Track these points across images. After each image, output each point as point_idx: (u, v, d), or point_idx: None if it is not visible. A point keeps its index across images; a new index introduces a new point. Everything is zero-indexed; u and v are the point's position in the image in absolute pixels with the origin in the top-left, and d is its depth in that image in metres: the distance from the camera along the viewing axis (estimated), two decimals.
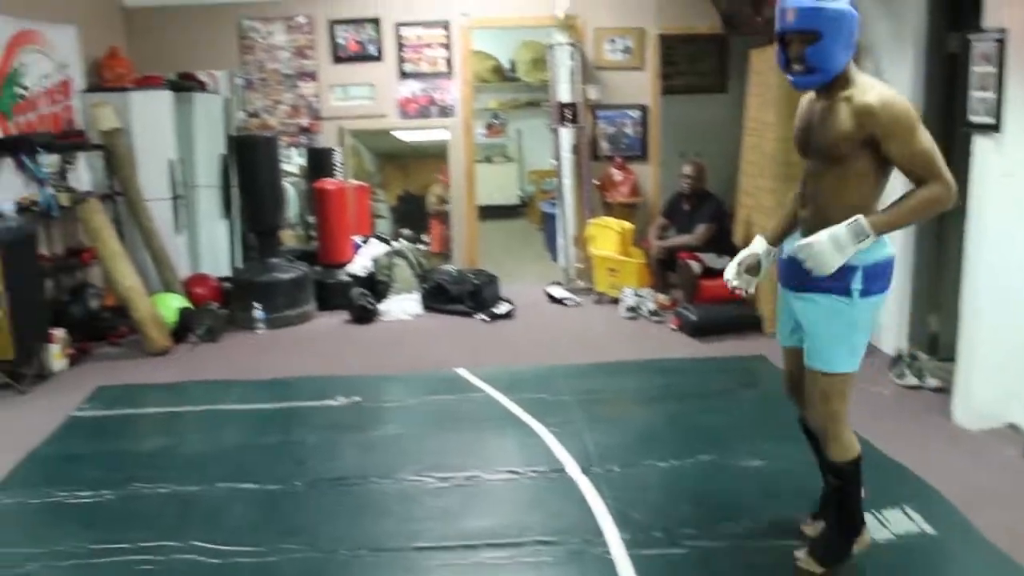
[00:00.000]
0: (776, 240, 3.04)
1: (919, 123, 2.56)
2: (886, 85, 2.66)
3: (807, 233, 2.70)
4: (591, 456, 3.95)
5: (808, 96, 2.84)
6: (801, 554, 2.98)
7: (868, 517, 3.20)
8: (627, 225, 6.86)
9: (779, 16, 2.62)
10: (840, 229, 2.53)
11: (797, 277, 2.74)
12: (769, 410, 4.33)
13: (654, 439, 4.19)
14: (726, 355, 5.46)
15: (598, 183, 7.49)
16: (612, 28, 7.40)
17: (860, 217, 2.53)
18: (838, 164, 2.64)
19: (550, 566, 3.09)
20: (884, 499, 3.37)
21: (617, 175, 7.49)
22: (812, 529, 3.14)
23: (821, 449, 2.91)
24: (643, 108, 7.54)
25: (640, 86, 7.51)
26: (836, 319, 2.68)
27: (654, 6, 7.34)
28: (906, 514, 3.30)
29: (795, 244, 2.68)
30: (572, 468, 3.84)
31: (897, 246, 5.02)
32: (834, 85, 2.64)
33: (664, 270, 6.57)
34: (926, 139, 2.55)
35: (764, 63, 5.91)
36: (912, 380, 4.74)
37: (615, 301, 6.66)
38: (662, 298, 6.49)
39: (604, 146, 7.57)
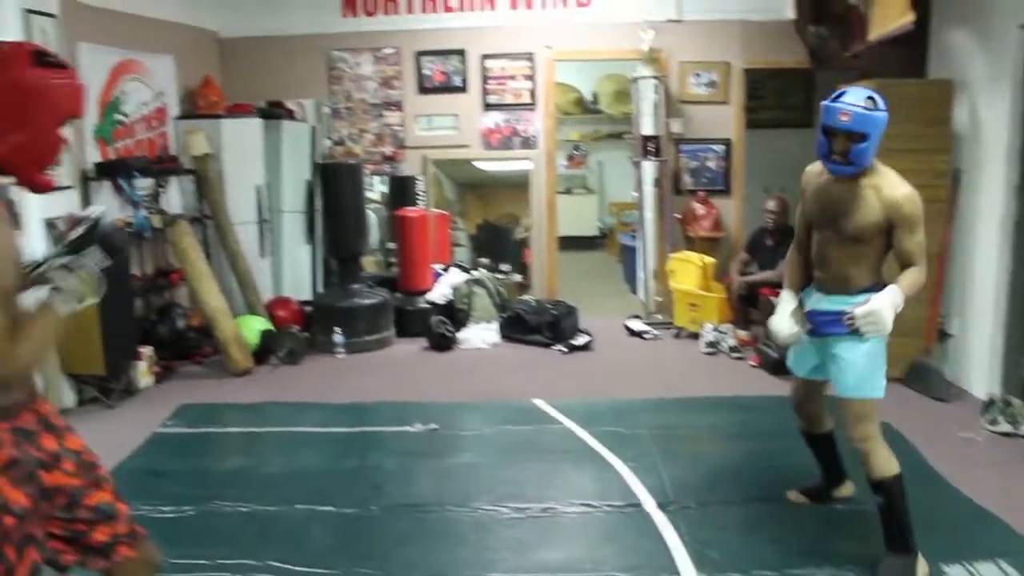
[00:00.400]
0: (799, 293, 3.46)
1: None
2: (900, 176, 3.08)
3: (824, 291, 3.22)
4: (668, 492, 3.89)
5: (815, 171, 3.28)
6: None
7: (959, 568, 3.13)
8: (708, 260, 6.79)
9: (829, 113, 3.00)
10: (888, 309, 2.87)
11: (829, 327, 3.16)
12: (851, 451, 4.19)
13: (732, 477, 4.10)
14: None
15: (680, 217, 7.44)
16: (697, 62, 7.36)
17: (900, 292, 2.91)
18: (860, 242, 3.09)
19: None
20: (976, 551, 3.26)
21: (699, 209, 7.43)
22: (795, 495, 3.75)
23: (824, 453, 3.67)
24: (727, 142, 7.47)
25: (724, 120, 7.44)
26: (870, 353, 3.09)
27: (740, 40, 7.28)
28: (1000, 568, 3.16)
29: (855, 312, 2.94)
30: (648, 503, 3.78)
31: (990, 289, 4.93)
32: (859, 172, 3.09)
33: (745, 306, 6.47)
34: (923, 230, 3.06)
35: None
36: (1006, 427, 4.56)
37: (695, 336, 6.58)
38: (743, 334, 6.38)
39: (687, 180, 7.50)
